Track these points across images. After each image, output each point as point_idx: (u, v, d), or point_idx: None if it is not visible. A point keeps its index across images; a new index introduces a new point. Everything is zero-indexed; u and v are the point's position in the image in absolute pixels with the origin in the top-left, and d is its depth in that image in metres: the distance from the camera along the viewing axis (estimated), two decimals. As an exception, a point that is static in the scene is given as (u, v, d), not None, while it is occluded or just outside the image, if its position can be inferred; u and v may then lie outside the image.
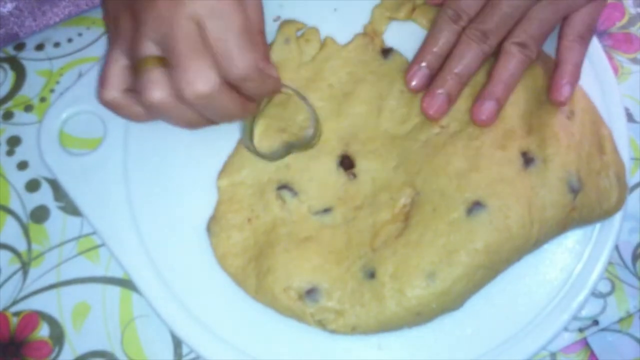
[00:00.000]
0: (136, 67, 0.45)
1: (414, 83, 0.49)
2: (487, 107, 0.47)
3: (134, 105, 0.47)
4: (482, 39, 0.48)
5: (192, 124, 0.47)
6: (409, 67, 0.50)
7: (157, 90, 0.44)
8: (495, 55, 0.49)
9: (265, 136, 0.50)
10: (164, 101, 0.44)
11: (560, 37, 0.49)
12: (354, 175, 0.49)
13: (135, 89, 0.45)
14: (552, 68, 0.50)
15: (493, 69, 0.48)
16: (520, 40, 0.48)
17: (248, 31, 0.45)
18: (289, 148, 0.49)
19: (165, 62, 0.44)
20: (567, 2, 0.49)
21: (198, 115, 0.46)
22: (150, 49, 0.44)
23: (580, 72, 0.49)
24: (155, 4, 0.44)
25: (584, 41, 0.49)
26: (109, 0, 0.49)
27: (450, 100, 0.48)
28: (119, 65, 0.46)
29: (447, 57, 0.49)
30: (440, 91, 0.48)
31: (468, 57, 0.48)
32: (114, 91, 0.46)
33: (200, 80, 0.43)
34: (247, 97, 0.47)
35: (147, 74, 0.44)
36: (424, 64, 0.49)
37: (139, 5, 0.45)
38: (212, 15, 0.43)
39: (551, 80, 0.49)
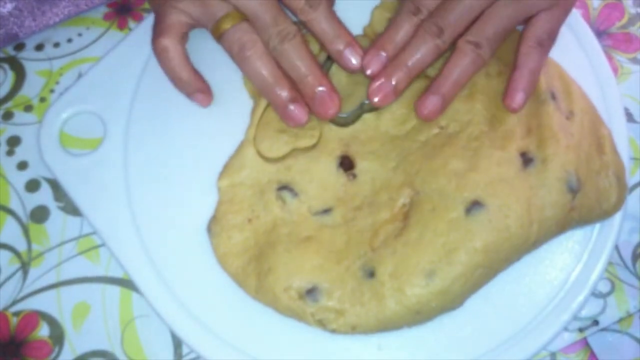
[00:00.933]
0: (220, 25, 0.48)
1: (372, 68, 0.48)
2: (431, 102, 0.47)
3: (185, 63, 0.50)
4: (438, 33, 0.47)
5: (272, 82, 0.48)
6: (366, 52, 0.49)
7: (249, 40, 0.48)
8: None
9: (266, 137, 0.50)
10: (256, 51, 0.48)
11: (519, 42, 0.48)
12: (354, 176, 0.49)
13: (222, 44, 0.49)
14: (551, 69, 0.50)
15: (444, 65, 0.48)
16: (474, 39, 0.47)
17: None
18: (361, 109, 0.50)
19: (243, 15, 0.48)
20: (527, 3, 0.48)
21: (280, 72, 0.48)
22: (224, 8, 0.48)
23: (537, 78, 0.48)
24: None
25: (543, 48, 0.48)
26: None
27: (397, 91, 0.48)
28: (181, 19, 0.49)
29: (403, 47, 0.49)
30: (389, 79, 0.48)
31: (422, 50, 0.47)
32: (173, 37, 0.49)
33: (287, 23, 0.48)
34: None
35: (240, 25, 0.48)
36: (382, 52, 0.48)
37: None
38: None
39: (506, 85, 0.48)
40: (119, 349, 0.49)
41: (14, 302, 0.50)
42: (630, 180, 0.52)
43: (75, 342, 0.49)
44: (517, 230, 0.45)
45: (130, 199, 0.51)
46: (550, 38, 0.48)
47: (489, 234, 0.44)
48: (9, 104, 0.56)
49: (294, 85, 0.49)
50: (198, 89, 0.51)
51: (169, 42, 0.49)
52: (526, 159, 0.46)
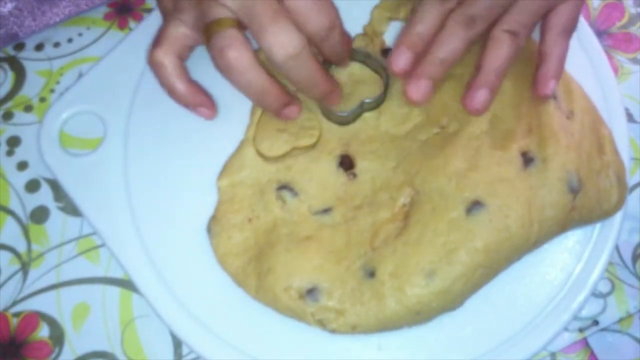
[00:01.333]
0: (209, 30, 0.45)
1: (397, 66, 0.47)
2: (481, 95, 0.47)
3: (180, 74, 0.47)
4: (469, 23, 0.46)
5: (263, 91, 0.46)
6: (393, 49, 0.48)
7: (235, 48, 0.44)
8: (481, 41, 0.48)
9: (266, 137, 0.50)
10: (241, 60, 0.44)
11: (543, 31, 0.48)
12: (354, 175, 0.49)
13: (209, 50, 0.45)
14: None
15: (482, 57, 0.47)
16: (510, 28, 0.46)
17: None
18: (362, 107, 0.50)
19: (240, 25, 0.45)
20: None
21: (271, 80, 0.46)
22: (224, 12, 0.45)
23: (564, 66, 0.48)
24: None
25: (568, 35, 0.48)
26: None
27: (434, 86, 0.47)
28: (181, 31, 0.47)
29: (431, 39, 0.47)
30: (425, 77, 0.47)
31: (454, 42, 0.46)
32: (169, 53, 0.47)
33: (290, 41, 0.43)
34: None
35: (226, 31, 0.44)
36: (408, 47, 0.47)
37: None
38: None
39: (536, 74, 0.48)
40: (119, 350, 0.49)
41: (14, 303, 0.50)
42: (631, 180, 0.52)
43: (75, 342, 0.49)
44: (518, 230, 0.45)
45: (130, 199, 0.51)
46: (573, 25, 0.48)
47: (490, 234, 0.44)
48: (9, 104, 0.56)
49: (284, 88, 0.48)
50: (198, 103, 0.49)
51: (164, 56, 0.48)
52: (527, 159, 0.46)
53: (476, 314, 0.47)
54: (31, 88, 0.56)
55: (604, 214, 0.48)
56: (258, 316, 0.47)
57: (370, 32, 0.53)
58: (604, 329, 0.49)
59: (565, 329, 0.48)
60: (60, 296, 0.50)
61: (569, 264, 0.48)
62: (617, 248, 0.51)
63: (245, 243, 0.48)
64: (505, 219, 0.44)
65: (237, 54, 0.44)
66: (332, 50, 0.47)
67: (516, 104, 0.49)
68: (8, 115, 0.55)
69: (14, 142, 0.55)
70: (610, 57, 0.56)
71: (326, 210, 0.48)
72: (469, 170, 0.46)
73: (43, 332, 0.49)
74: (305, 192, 0.48)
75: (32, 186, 0.53)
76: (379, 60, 0.51)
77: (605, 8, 0.59)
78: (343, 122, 0.50)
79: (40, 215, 0.52)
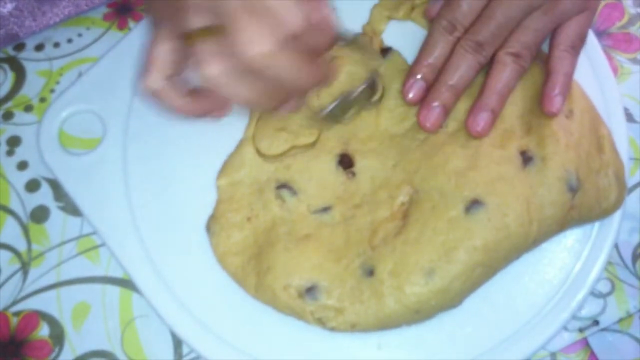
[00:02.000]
0: (187, 42, 0.42)
1: (410, 95, 0.49)
2: (483, 118, 0.47)
3: (177, 94, 0.45)
4: (477, 49, 0.48)
5: (252, 98, 0.43)
6: (405, 79, 0.49)
7: (216, 62, 0.41)
8: (489, 64, 0.49)
9: (265, 135, 0.50)
10: (224, 73, 0.42)
11: (551, 47, 0.49)
12: (353, 174, 0.49)
13: (189, 65, 0.44)
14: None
15: (487, 79, 0.48)
16: (514, 50, 0.48)
17: None
18: (347, 103, 0.49)
19: (219, 31, 0.42)
20: (561, 11, 0.48)
21: (258, 87, 0.43)
22: (199, 20, 0.42)
23: (571, 82, 0.49)
24: None
25: (576, 51, 0.49)
26: None
27: (446, 112, 0.48)
28: (166, 48, 0.44)
29: (442, 68, 0.48)
30: (436, 104, 0.48)
31: (463, 68, 0.48)
32: (160, 78, 0.44)
33: (261, 38, 0.40)
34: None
35: (202, 46, 0.41)
36: (419, 76, 0.49)
37: None
38: None
39: (543, 90, 0.48)
40: (119, 349, 0.49)
41: (14, 302, 0.50)
42: (630, 181, 0.52)
43: (76, 342, 0.49)
44: (517, 229, 0.45)
45: (130, 199, 0.51)
46: (581, 40, 0.49)
47: (489, 233, 0.44)
48: (9, 104, 0.56)
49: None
50: (204, 112, 0.46)
51: (150, 83, 0.44)
52: (526, 158, 0.46)
53: (475, 313, 0.47)
54: (31, 88, 0.56)
55: (603, 213, 0.48)
56: (258, 315, 0.47)
57: (370, 31, 0.53)
58: (604, 329, 0.49)
59: (565, 328, 0.48)
60: (61, 295, 0.50)
61: (568, 263, 0.48)
62: (617, 248, 0.51)
63: (244, 242, 0.48)
64: (504, 217, 0.44)
65: (221, 66, 0.42)
66: (311, 45, 0.44)
67: (515, 103, 0.49)
68: (8, 115, 0.55)
69: (14, 142, 0.55)
70: (610, 57, 0.56)
71: (325, 209, 0.48)
72: (468, 169, 0.46)
73: (43, 331, 0.49)
74: (305, 191, 0.48)
75: (32, 186, 0.53)
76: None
77: (605, 8, 0.59)
78: (333, 119, 0.49)
79: (40, 214, 0.52)
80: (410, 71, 0.49)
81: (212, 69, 0.42)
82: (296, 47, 0.42)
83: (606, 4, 0.59)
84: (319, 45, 0.44)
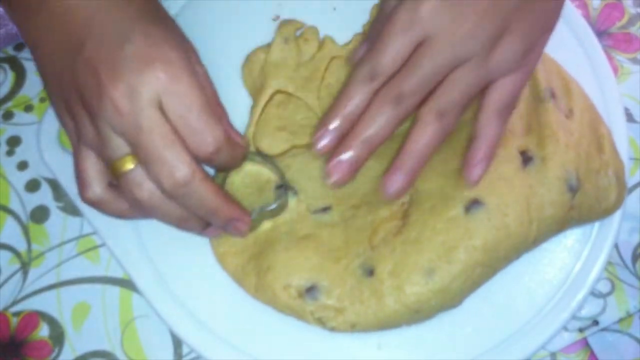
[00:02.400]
0: (113, 170, 0.43)
1: (319, 146, 0.45)
2: (397, 181, 0.44)
3: (120, 201, 0.45)
4: (398, 101, 0.43)
5: (181, 220, 0.44)
6: (317, 127, 0.45)
7: (144, 190, 0.42)
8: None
9: (265, 135, 0.50)
10: (152, 199, 0.42)
11: (479, 107, 0.45)
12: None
13: (121, 191, 0.43)
14: (550, 68, 0.50)
15: (407, 138, 0.44)
16: (438, 108, 0.43)
17: (208, 103, 0.43)
18: (262, 215, 0.48)
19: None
20: (492, 67, 0.43)
21: (183, 211, 0.44)
22: (120, 148, 0.42)
23: (496, 148, 0.45)
24: (108, 95, 0.41)
25: (503, 114, 0.45)
26: (51, 89, 0.45)
27: (356, 168, 0.44)
28: (93, 160, 0.44)
29: (358, 118, 0.44)
30: (345, 157, 0.44)
31: (380, 121, 0.43)
32: (98, 188, 0.44)
33: (179, 168, 0.41)
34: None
35: (129, 174, 0.42)
36: (332, 126, 0.44)
37: (89, 96, 0.42)
38: (170, 96, 0.41)
39: (465, 156, 0.45)
40: (119, 349, 0.49)
41: (14, 302, 0.50)
42: (630, 181, 0.52)
43: (75, 342, 0.49)
44: (516, 228, 0.45)
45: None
46: (510, 104, 0.45)
47: (488, 233, 0.44)
48: (9, 104, 0.56)
49: None
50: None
51: (93, 194, 0.44)
52: (526, 158, 0.46)
53: (475, 313, 0.47)
54: (31, 88, 0.56)
55: (603, 213, 0.48)
56: (258, 315, 0.47)
57: (370, 31, 0.53)
58: (604, 329, 0.49)
59: (565, 328, 0.48)
60: (60, 296, 0.50)
61: (568, 263, 0.48)
62: (617, 248, 0.51)
63: (244, 242, 0.48)
64: (504, 217, 0.44)
65: (148, 193, 0.42)
66: (223, 165, 0.45)
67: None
68: (8, 115, 0.55)
69: (14, 142, 0.55)
70: (610, 57, 0.56)
71: (325, 209, 0.48)
72: (468, 169, 0.46)
73: (43, 331, 0.49)
74: (304, 191, 0.48)
75: (32, 186, 0.53)
76: (275, 163, 0.49)
77: (605, 8, 0.59)
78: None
79: (40, 214, 0.52)
80: (322, 119, 0.45)
81: (139, 195, 0.42)
82: (211, 165, 0.44)
83: (606, 4, 0.59)
84: (232, 163, 0.46)
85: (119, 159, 0.42)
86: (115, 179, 0.43)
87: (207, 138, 0.42)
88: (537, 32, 0.44)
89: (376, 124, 0.43)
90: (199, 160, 0.43)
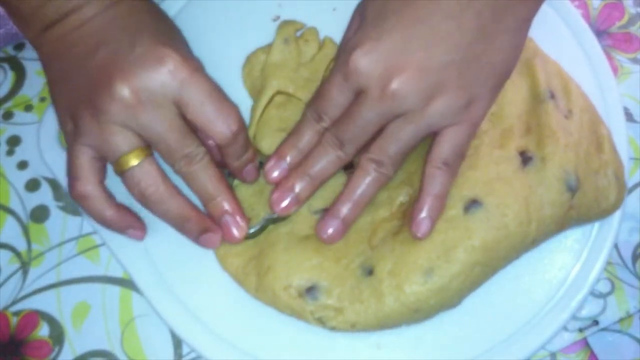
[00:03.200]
0: (118, 166, 0.45)
1: (274, 175, 0.47)
2: (332, 225, 0.46)
3: (107, 201, 0.47)
4: (339, 145, 0.45)
5: (182, 219, 0.46)
6: (270, 158, 0.47)
7: (149, 184, 0.45)
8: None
9: (266, 136, 0.50)
10: (156, 194, 0.45)
11: (425, 161, 0.45)
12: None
13: (125, 186, 0.46)
14: (550, 68, 0.50)
15: (346, 184, 0.46)
16: (376, 157, 0.45)
17: (220, 90, 0.46)
18: (267, 223, 0.48)
19: (147, 149, 0.45)
20: (427, 123, 0.43)
21: (188, 207, 0.46)
22: (127, 144, 0.44)
23: (444, 202, 0.45)
24: (119, 92, 0.43)
25: (450, 167, 0.45)
26: (58, 96, 0.47)
27: (300, 201, 0.47)
28: (88, 157, 0.46)
29: (306, 154, 0.47)
30: (290, 189, 0.46)
31: (323, 161, 0.46)
32: (88, 184, 0.46)
33: (189, 145, 0.45)
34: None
35: (136, 169, 0.45)
36: (285, 159, 0.47)
37: (99, 95, 0.44)
38: (188, 87, 0.44)
39: (411, 210, 0.45)
40: (119, 349, 0.49)
41: (14, 302, 0.50)
42: (630, 181, 0.52)
43: (75, 341, 0.49)
44: (516, 228, 0.45)
45: (130, 198, 0.50)
46: (456, 156, 0.45)
47: (487, 232, 0.44)
48: (9, 104, 0.56)
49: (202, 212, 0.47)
50: (127, 226, 0.48)
51: (84, 188, 0.46)
52: (525, 158, 0.46)
53: (475, 313, 0.47)
54: (31, 88, 0.56)
55: (603, 213, 0.48)
56: (258, 315, 0.47)
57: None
58: (604, 329, 0.49)
59: (565, 328, 0.48)
60: (60, 295, 0.50)
61: (567, 263, 0.48)
62: (617, 248, 0.51)
63: (245, 242, 0.48)
64: (503, 217, 0.45)
65: (153, 189, 0.45)
66: (235, 157, 0.47)
67: (515, 104, 0.49)
68: (8, 115, 0.55)
69: (14, 142, 0.55)
70: (610, 57, 0.56)
71: (325, 210, 0.48)
72: (467, 169, 0.46)
73: (43, 331, 0.49)
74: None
75: (32, 185, 0.53)
76: None
77: (605, 8, 0.59)
78: (249, 237, 0.48)
79: (40, 214, 0.52)
80: (277, 150, 0.47)
81: (144, 190, 0.45)
82: (232, 152, 0.46)
83: (606, 3, 0.59)
84: (243, 157, 0.47)
85: (125, 154, 0.44)
86: (120, 175, 0.45)
87: (228, 118, 0.45)
88: (480, 84, 0.44)
89: (321, 164, 0.46)
90: (221, 144, 0.46)
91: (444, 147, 0.44)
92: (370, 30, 0.44)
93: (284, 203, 0.46)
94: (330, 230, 0.46)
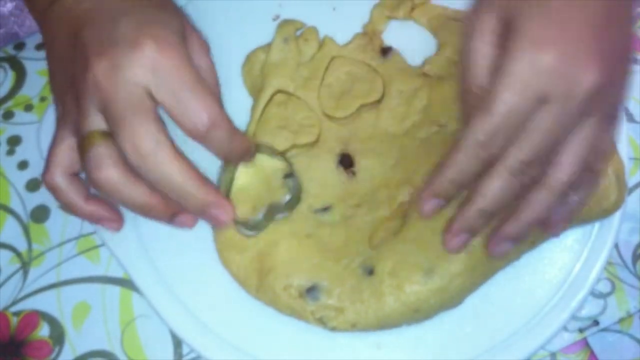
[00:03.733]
0: (81, 145, 0.42)
1: (425, 211, 0.42)
2: (505, 248, 0.43)
3: (76, 194, 0.45)
4: (522, 170, 0.38)
5: (145, 208, 0.44)
6: (423, 189, 0.42)
7: (104, 167, 0.41)
8: None
9: (266, 134, 0.50)
10: (112, 179, 0.42)
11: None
12: (354, 174, 0.49)
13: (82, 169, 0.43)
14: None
15: (519, 206, 0.40)
16: (565, 177, 0.39)
17: (200, 81, 0.42)
18: (272, 214, 0.48)
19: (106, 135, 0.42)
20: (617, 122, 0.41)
21: (149, 194, 0.43)
22: (94, 122, 0.42)
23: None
24: (91, 70, 0.41)
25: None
26: (54, 77, 0.47)
27: (473, 236, 0.42)
28: (66, 145, 0.44)
29: (470, 186, 0.40)
30: (463, 231, 0.42)
31: (501, 193, 0.39)
32: (58, 174, 0.44)
33: (145, 137, 0.40)
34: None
35: (93, 150, 0.41)
36: (439, 192, 0.41)
37: (77, 74, 0.42)
38: (159, 73, 0.41)
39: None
40: (119, 349, 0.49)
41: (14, 302, 0.50)
42: (630, 180, 0.52)
43: (76, 342, 0.49)
44: (516, 228, 0.45)
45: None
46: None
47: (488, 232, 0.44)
48: (9, 104, 0.56)
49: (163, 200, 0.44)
50: (99, 218, 0.47)
51: (52, 179, 0.45)
52: (526, 158, 0.46)
53: (475, 313, 0.47)
54: (31, 87, 0.56)
55: (603, 213, 0.48)
56: (258, 316, 0.47)
57: (370, 31, 0.53)
58: (604, 329, 0.49)
59: (565, 329, 0.48)
60: (61, 295, 0.50)
61: (567, 263, 0.48)
62: (617, 248, 0.50)
63: (246, 242, 0.48)
64: (503, 217, 0.44)
65: (107, 174, 0.41)
66: (219, 149, 0.43)
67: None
68: (8, 115, 0.55)
69: (14, 142, 0.55)
70: (610, 57, 0.56)
71: (326, 209, 0.48)
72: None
73: (43, 331, 0.49)
74: (306, 191, 0.48)
75: (33, 185, 0.53)
76: (284, 158, 0.49)
77: (605, 8, 0.59)
78: (255, 228, 0.47)
79: (40, 214, 0.52)
80: (429, 183, 0.41)
81: (102, 174, 0.41)
82: (209, 146, 0.43)
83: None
84: (228, 149, 0.44)
85: (89, 132, 0.42)
86: (82, 159, 0.43)
87: (200, 113, 0.41)
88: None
89: (498, 196, 0.39)
90: (194, 139, 0.42)
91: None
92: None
93: (457, 244, 0.43)
94: (502, 252, 0.43)
